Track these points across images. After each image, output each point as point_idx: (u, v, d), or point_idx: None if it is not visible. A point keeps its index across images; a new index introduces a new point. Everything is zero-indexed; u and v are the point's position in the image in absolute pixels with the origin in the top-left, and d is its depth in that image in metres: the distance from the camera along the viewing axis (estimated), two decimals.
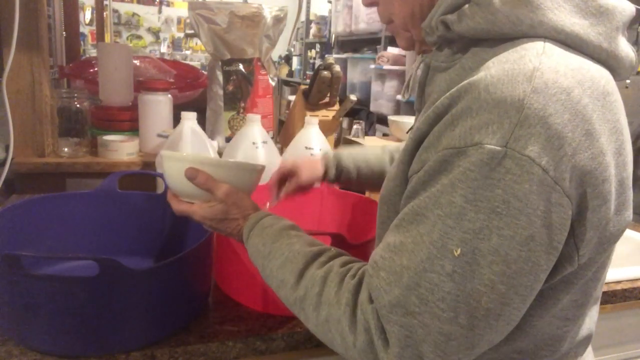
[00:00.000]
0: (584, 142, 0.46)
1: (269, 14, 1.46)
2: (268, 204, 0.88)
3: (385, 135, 2.88)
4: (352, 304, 0.51)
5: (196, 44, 6.32)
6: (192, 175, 0.67)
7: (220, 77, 1.46)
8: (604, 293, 1.03)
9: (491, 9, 0.50)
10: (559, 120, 0.44)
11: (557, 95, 0.45)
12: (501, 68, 0.47)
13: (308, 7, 5.17)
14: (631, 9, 0.55)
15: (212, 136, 1.48)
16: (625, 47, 0.54)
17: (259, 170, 0.74)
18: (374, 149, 0.95)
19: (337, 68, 1.50)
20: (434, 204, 0.47)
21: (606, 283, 1.06)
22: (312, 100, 1.53)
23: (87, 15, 5.29)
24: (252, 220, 0.66)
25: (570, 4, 0.50)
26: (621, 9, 0.53)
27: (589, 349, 0.66)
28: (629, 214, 0.53)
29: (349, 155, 0.93)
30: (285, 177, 0.90)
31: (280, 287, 0.59)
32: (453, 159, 0.46)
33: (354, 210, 1.05)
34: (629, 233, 1.37)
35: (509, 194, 0.44)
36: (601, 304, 1.03)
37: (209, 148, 1.21)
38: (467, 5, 0.52)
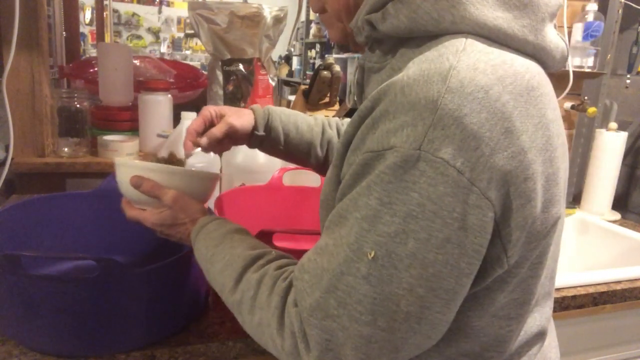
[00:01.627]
0: (503, 140, 0.44)
1: (269, 14, 1.46)
2: (191, 151, 0.76)
3: None
4: (281, 308, 0.51)
5: (196, 44, 6.31)
6: (137, 183, 0.67)
7: (220, 77, 1.46)
8: (604, 293, 1.03)
9: (413, 6, 0.49)
10: (476, 119, 0.43)
11: (473, 94, 0.44)
12: (418, 68, 0.46)
13: (308, 7, 5.17)
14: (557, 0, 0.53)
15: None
16: (554, 38, 0.53)
17: (212, 178, 0.74)
18: (306, 117, 0.87)
19: (337, 68, 1.50)
20: (353, 207, 0.47)
21: (606, 283, 1.06)
22: (312, 100, 1.53)
23: (87, 15, 5.29)
24: (199, 224, 0.66)
25: None
26: (546, 0, 0.52)
27: (550, 345, 0.64)
28: (557, 210, 0.52)
29: (279, 115, 0.83)
30: (210, 122, 0.79)
31: (222, 291, 0.59)
32: (372, 162, 0.46)
33: None
34: (629, 233, 1.37)
35: (423, 197, 0.43)
36: (601, 304, 1.04)
37: None
38: (390, 3, 0.51)
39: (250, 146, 0.84)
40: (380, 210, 0.45)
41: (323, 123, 0.88)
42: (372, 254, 0.45)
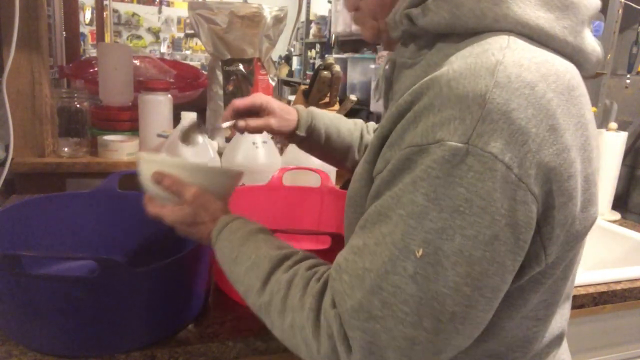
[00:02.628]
0: (549, 137, 0.44)
1: (269, 14, 1.46)
2: (222, 124, 0.80)
3: None
4: (316, 309, 0.49)
5: (196, 44, 6.31)
6: (158, 178, 0.66)
7: (220, 77, 1.46)
8: (604, 293, 1.03)
9: (455, 2, 0.49)
10: (523, 115, 0.43)
11: (520, 90, 0.44)
12: (464, 62, 0.46)
13: (308, 7, 5.17)
14: (597, 2, 0.54)
15: (212, 136, 1.48)
16: (591, 41, 0.53)
17: (235, 175, 0.72)
18: (347, 121, 0.89)
19: (337, 68, 1.50)
20: (397, 204, 0.45)
21: (606, 283, 1.06)
22: (312, 100, 1.53)
23: (87, 15, 5.29)
24: (220, 224, 0.64)
25: None
26: (587, 3, 0.52)
27: (565, 347, 0.64)
28: (595, 210, 0.52)
29: (322, 117, 0.85)
30: (255, 110, 0.81)
31: (247, 293, 0.58)
32: (415, 157, 0.45)
33: None
34: (629, 233, 1.37)
35: (471, 192, 0.42)
36: (601, 304, 1.04)
37: (209, 148, 1.21)
38: None
39: (290, 142, 0.87)
40: (427, 206, 0.44)
41: (362, 128, 0.90)
42: (420, 252, 0.43)
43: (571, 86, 0.48)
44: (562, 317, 0.60)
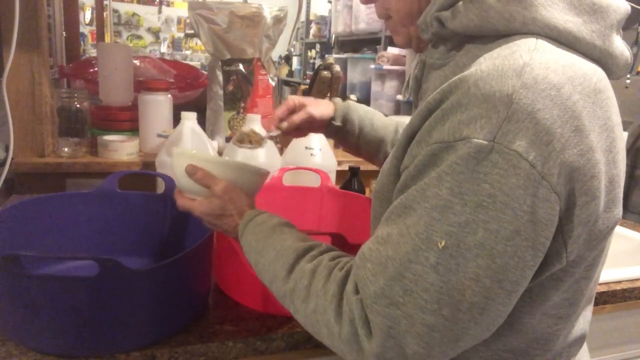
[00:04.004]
0: (573, 138, 0.46)
1: (269, 14, 1.46)
2: (271, 131, 0.87)
3: None
4: (339, 295, 0.52)
5: (196, 44, 6.31)
6: (192, 171, 0.69)
7: (220, 77, 1.46)
8: (604, 293, 1.03)
9: (484, 5, 0.50)
10: (548, 115, 0.45)
11: (546, 91, 0.45)
12: (492, 63, 0.47)
13: (308, 7, 5.17)
14: (626, 6, 0.54)
15: (212, 136, 1.48)
16: (620, 46, 0.54)
17: (263, 173, 0.76)
18: (381, 115, 0.94)
19: (337, 68, 1.50)
20: (422, 197, 0.47)
21: (606, 283, 1.06)
22: None
23: (87, 15, 5.29)
24: (247, 217, 0.67)
25: (563, 2, 0.50)
26: (615, 7, 0.53)
27: (585, 350, 0.65)
28: (618, 211, 0.53)
29: (357, 109, 0.90)
30: (293, 109, 0.87)
31: (272, 281, 0.60)
32: (442, 153, 0.47)
33: (354, 210, 1.05)
34: (629, 233, 1.37)
35: (495, 188, 0.44)
36: (601, 304, 1.04)
37: (209, 148, 1.21)
38: (461, 2, 0.53)
39: (327, 135, 0.92)
40: (451, 200, 0.45)
41: (397, 123, 0.93)
42: (442, 244, 0.45)
43: (597, 89, 0.49)
44: (584, 319, 0.61)
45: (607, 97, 0.51)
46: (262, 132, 0.88)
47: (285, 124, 0.85)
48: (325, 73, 1.47)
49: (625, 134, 1.53)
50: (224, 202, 0.68)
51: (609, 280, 1.07)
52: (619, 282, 1.07)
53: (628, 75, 1.80)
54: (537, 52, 0.47)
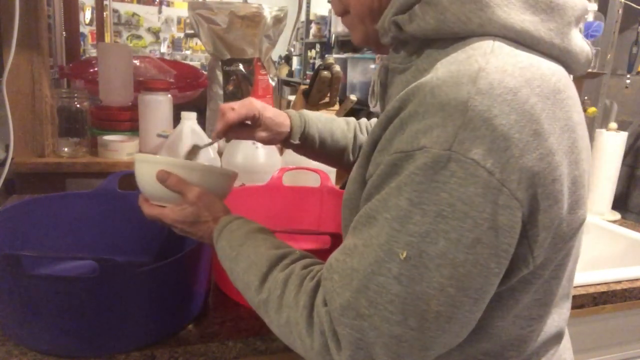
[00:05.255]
0: (532, 142, 0.45)
1: (269, 14, 1.46)
2: (214, 142, 0.79)
3: None
4: (310, 307, 0.51)
5: (196, 44, 6.31)
6: (163, 177, 0.66)
7: (220, 77, 1.46)
8: (604, 293, 1.03)
9: (440, 8, 0.50)
10: (505, 121, 0.44)
11: (503, 96, 0.44)
12: (447, 70, 0.47)
13: (308, 7, 5.17)
14: (583, 3, 0.54)
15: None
16: (579, 42, 0.53)
17: (231, 176, 0.74)
18: (339, 122, 0.89)
19: (337, 68, 1.50)
20: (383, 207, 0.47)
21: (606, 283, 1.06)
22: (312, 100, 1.53)
23: (87, 15, 5.28)
24: (221, 223, 0.65)
25: (520, 1, 0.49)
26: (572, 4, 0.52)
27: (566, 347, 0.65)
28: (583, 212, 0.53)
29: (315, 122, 0.84)
30: (247, 119, 0.78)
31: (246, 290, 0.59)
32: (401, 162, 0.46)
33: None
34: (629, 233, 1.37)
35: (454, 197, 0.44)
36: (601, 304, 1.04)
37: (209, 148, 1.21)
38: (417, 5, 0.52)
39: (284, 147, 0.85)
40: (410, 210, 0.45)
41: (355, 128, 0.90)
42: (404, 254, 0.45)
43: (557, 89, 0.48)
44: (560, 317, 0.60)
45: (568, 97, 0.50)
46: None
47: (233, 135, 0.78)
48: (325, 73, 1.47)
49: (625, 134, 1.53)
50: (198, 208, 0.66)
51: (609, 280, 1.07)
52: (619, 282, 1.07)
53: (628, 75, 1.80)
54: (493, 56, 0.46)
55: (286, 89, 4.66)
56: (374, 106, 0.64)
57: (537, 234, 0.48)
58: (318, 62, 4.97)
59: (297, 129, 0.82)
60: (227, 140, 0.78)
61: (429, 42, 0.53)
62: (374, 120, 0.93)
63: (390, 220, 0.46)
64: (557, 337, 0.61)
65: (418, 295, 0.45)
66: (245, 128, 0.79)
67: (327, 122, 0.86)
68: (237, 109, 0.76)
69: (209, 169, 0.72)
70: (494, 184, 0.44)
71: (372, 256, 0.47)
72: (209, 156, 1.21)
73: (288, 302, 0.53)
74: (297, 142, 0.82)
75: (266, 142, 0.81)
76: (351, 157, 0.88)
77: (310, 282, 0.53)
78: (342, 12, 0.63)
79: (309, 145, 0.84)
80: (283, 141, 0.82)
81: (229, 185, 0.74)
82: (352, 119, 0.92)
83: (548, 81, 0.48)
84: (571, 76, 0.55)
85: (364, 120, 0.93)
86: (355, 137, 0.89)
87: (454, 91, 0.45)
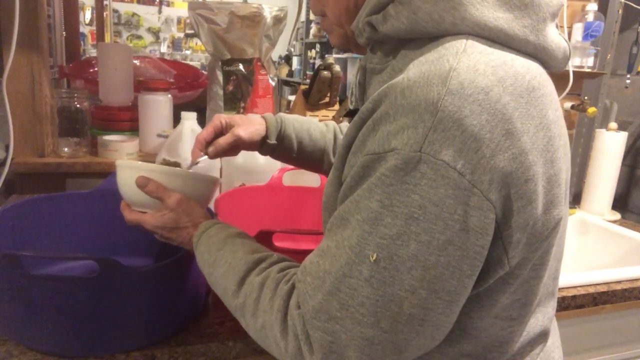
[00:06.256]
0: (504, 142, 0.44)
1: (269, 14, 1.46)
2: (199, 157, 0.79)
3: None
4: (284, 310, 0.51)
5: (196, 44, 6.31)
6: (143, 183, 0.67)
7: (220, 77, 1.46)
8: (604, 293, 1.03)
9: (413, 7, 0.49)
10: (476, 121, 0.43)
11: (474, 96, 0.44)
12: (419, 70, 0.46)
13: (308, 7, 5.17)
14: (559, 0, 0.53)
15: None
16: (555, 38, 0.53)
17: (213, 182, 0.74)
18: (318, 124, 0.88)
19: (337, 68, 1.50)
20: (355, 209, 0.47)
21: (606, 283, 1.06)
22: (312, 100, 1.53)
23: (87, 15, 5.28)
24: (201, 229, 0.66)
25: None
26: (547, 0, 0.52)
27: (554, 345, 0.64)
28: (559, 211, 0.52)
29: (292, 123, 0.84)
30: (219, 131, 0.79)
31: (224, 295, 0.59)
32: (373, 164, 0.46)
33: None
34: (629, 233, 1.37)
35: (425, 199, 0.43)
36: (601, 304, 1.04)
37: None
38: (391, 5, 0.51)
39: (263, 153, 0.84)
40: (381, 212, 0.45)
41: (335, 129, 0.89)
42: (374, 257, 0.45)
43: (531, 87, 0.48)
44: (544, 316, 0.60)
45: (542, 95, 0.49)
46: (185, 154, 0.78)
47: (212, 149, 0.77)
48: (325, 73, 1.47)
49: (625, 134, 1.53)
50: (177, 214, 0.67)
51: (609, 280, 1.07)
52: (619, 282, 1.07)
53: (628, 75, 1.80)
54: (465, 55, 0.46)
55: (286, 89, 4.67)
56: (353, 107, 0.63)
57: (511, 235, 0.47)
58: (318, 62, 4.97)
59: (273, 128, 0.81)
60: (211, 157, 0.78)
61: (404, 42, 0.52)
62: None
63: (361, 222, 0.46)
64: (542, 337, 0.61)
65: (390, 298, 0.45)
66: (222, 137, 0.78)
67: (304, 122, 0.86)
68: (205, 127, 0.78)
69: (191, 175, 0.72)
70: (464, 185, 0.43)
71: (343, 258, 0.46)
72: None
73: (263, 305, 0.53)
74: (273, 141, 0.81)
75: (247, 138, 0.79)
76: (332, 159, 0.87)
77: (285, 285, 0.53)
78: (320, 12, 0.63)
79: (287, 146, 0.83)
80: (261, 146, 0.82)
81: (211, 190, 0.74)
82: (332, 122, 0.91)
83: (522, 79, 0.47)
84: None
85: (345, 123, 0.92)
86: (335, 138, 0.88)
87: (425, 92, 0.44)
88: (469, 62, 0.45)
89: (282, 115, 0.84)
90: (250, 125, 0.80)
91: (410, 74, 0.46)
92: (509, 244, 0.48)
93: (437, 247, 0.44)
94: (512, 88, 0.46)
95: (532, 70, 0.49)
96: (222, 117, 0.80)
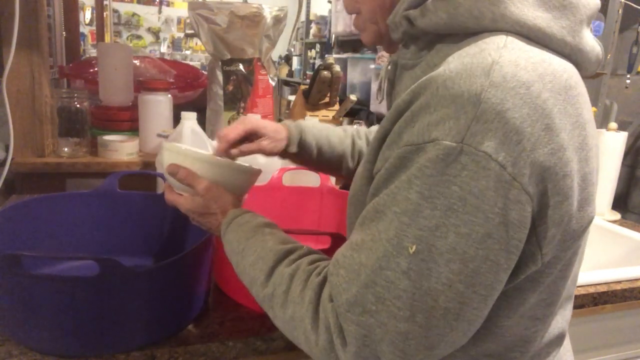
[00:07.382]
0: (544, 137, 0.45)
1: (269, 14, 1.46)
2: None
3: None
4: (315, 302, 0.51)
5: (196, 44, 6.31)
6: (174, 170, 0.68)
7: (220, 77, 1.46)
8: (604, 293, 1.03)
9: (453, 3, 0.50)
10: (518, 114, 0.43)
11: (515, 89, 0.44)
12: (460, 62, 0.46)
13: (308, 7, 5.17)
14: (596, 2, 0.54)
15: (212, 136, 1.47)
16: (590, 41, 0.53)
17: (253, 172, 0.74)
18: (336, 130, 0.89)
19: (337, 68, 1.50)
20: (392, 201, 0.46)
21: (606, 283, 1.06)
22: (312, 100, 1.53)
23: (87, 15, 5.28)
24: (229, 217, 0.66)
25: None
26: (585, 2, 0.52)
27: (566, 348, 0.65)
28: (592, 209, 0.52)
29: (311, 130, 0.85)
30: (248, 135, 0.80)
31: (252, 284, 0.59)
32: (412, 155, 0.46)
33: None
34: (629, 233, 1.37)
35: (465, 190, 0.43)
36: (601, 304, 1.04)
37: (209, 148, 1.21)
38: (430, 0, 0.52)
39: (282, 158, 0.86)
40: (420, 204, 0.44)
41: (352, 134, 0.90)
42: (413, 249, 0.44)
43: (568, 86, 0.48)
44: (562, 318, 0.60)
45: (578, 94, 0.50)
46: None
47: (235, 151, 0.78)
48: (325, 73, 1.47)
49: (625, 134, 1.53)
50: (206, 200, 0.67)
51: (609, 280, 1.07)
52: (619, 282, 1.07)
53: (628, 75, 1.80)
54: (506, 50, 0.46)
55: (286, 89, 4.67)
56: (380, 102, 0.63)
57: (546, 230, 0.47)
58: (318, 62, 4.97)
59: (294, 137, 0.82)
60: (233, 159, 0.79)
61: (440, 37, 0.53)
62: (373, 128, 0.93)
63: (399, 214, 0.45)
64: (559, 339, 0.61)
65: (426, 291, 0.44)
66: (247, 144, 0.80)
67: (323, 129, 0.87)
68: (236, 126, 0.78)
69: (226, 163, 0.73)
70: (505, 177, 0.43)
71: (380, 251, 0.46)
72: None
73: (294, 297, 0.53)
74: (294, 150, 0.82)
75: (269, 151, 0.81)
76: (350, 164, 0.88)
77: (316, 277, 0.53)
78: (355, 10, 0.64)
79: (307, 153, 0.84)
80: (281, 152, 0.83)
81: (249, 181, 0.74)
82: (349, 127, 0.92)
83: (559, 77, 0.48)
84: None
85: (363, 127, 0.93)
86: (353, 143, 0.89)
87: (467, 83, 0.44)
88: (510, 56, 0.46)
89: (302, 123, 0.86)
90: (277, 140, 0.81)
91: (451, 66, 0.46)
92: (543, 239, 0.48)
93: (476, 240, 0.44)
94: (551, 85, 0.46)
95: (569, 70, 0.50)
96: (253, 123, 0.80)
